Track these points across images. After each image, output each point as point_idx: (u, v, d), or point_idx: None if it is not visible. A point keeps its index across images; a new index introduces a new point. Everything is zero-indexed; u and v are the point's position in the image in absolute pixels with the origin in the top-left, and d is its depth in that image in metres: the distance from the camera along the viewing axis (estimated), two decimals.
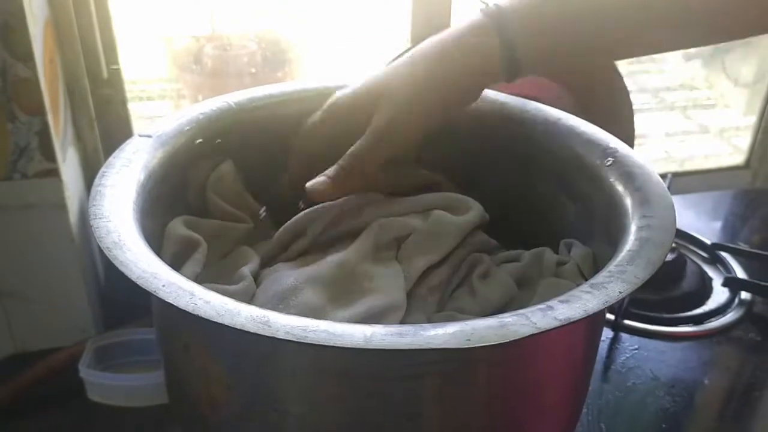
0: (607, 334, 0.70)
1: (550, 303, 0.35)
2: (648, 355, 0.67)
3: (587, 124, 0.53)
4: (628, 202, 0.45)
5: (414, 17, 0.84)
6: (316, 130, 0.52)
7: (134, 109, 0.81)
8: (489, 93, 0.58)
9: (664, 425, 0.60)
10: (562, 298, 0.36)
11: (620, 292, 0.36)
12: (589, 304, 0.35)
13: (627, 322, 0.71)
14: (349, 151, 0.49)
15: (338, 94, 0.51)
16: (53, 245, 0.66)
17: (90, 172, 0.76)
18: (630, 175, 0.47)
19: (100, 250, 0.77)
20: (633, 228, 0.42)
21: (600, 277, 0.38)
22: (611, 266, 0.39)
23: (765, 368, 0.68)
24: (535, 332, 0.33)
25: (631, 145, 0.73)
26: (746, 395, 0.65)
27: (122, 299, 0.74)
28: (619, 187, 0.46)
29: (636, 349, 0.68)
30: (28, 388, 0.65)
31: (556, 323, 0.34)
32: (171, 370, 0.46)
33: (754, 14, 0.45)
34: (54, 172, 0.64)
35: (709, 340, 0.70)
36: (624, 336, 0.70)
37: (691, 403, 0.63)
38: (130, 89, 0.80)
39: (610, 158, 0.49)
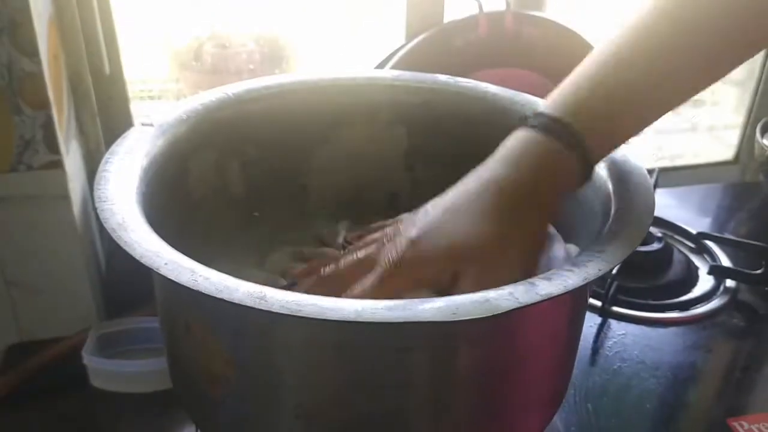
0: (595, 320, 0.72)
1: (532, 280, 0.37)
2: (635, 340, 0.69)
3: None
4: (610, 187, 0.47)
5: (409, 13, 0.85)
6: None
7: (135, 108, 0.83)
8: (479, 85, 0.60)
9: (648, 405, 0.62)
10: (544, 275, 0.38)
11: (599, 270, 0.38)
12: (569, 280, 0.37)
13: (615, 308, 0.73)
14: None
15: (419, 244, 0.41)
16: (57, 236, 0.68)
17: (92, 165, 0.78)
18: (612, 162, 0.49)
19: (102, 241, 0.79)
20: (612, 211, 0.44)
21: (582, 257, 0.40)
22: (593, 247, 0.41)
23: (748, 352, 0.70)
24: (518, 306, 0.35)
25: None
26: (728, 377, 0.67)
27: (124, 289, 0.75)
28: (603, 173, 0.48)
29: (623, 334, 0.70)
30: (33, 376, 0.67)
31: (538, 298, 0.36)
32: (173, 350, 0.48)
33: None
34: (58, 164, 0.65)
35: (694, 325, 0.72)
36: (612, 322, 0.72)
37: (675, 384, 0.65)
38: (131, 89, 0.82)
39: None
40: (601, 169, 0.48)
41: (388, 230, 0.43)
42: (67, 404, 0.66)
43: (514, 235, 0.40)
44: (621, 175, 0.48)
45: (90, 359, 0.66)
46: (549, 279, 0.38)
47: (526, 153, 0.41)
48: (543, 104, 0.42)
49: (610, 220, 0.44)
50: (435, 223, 0.41)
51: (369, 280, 0.41)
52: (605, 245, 0.41)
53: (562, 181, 0.41)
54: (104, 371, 0.67)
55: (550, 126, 0.40)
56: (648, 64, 0.41)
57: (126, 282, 0.75)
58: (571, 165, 0.41)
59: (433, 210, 0.42)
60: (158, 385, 0.66)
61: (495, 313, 0.35)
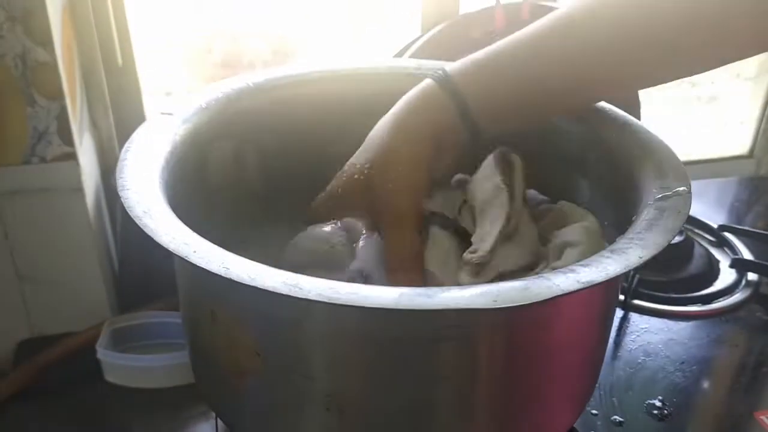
0: (617, 313, 0.71)
1: (572, 267, 0.36)
2: (657, 334, 0.68)
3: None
4: (643, 175, 0.46)
5: (425, 4, 0.85)
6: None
7: (147, 103, 0.82)
8: None
9: (674, 399, 0.61)
10: (583, 262, 0.37)
11: (640, 257, 0.37)
12: (610, 267, 0.36)
13: (636, 302, 0.72)
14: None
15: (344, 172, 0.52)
16: (70, 229, 0.67)
17: (105, 158, 0.77)
18: (644, 147, 0.48)
19: (115, 235, 0.78)
20: (650, 198, 0.43)
21: (620, 244, 0.39)
22: (631, 233, 0.40)
23: None
24: (559, 294, 0.34)
25: None
26: (754, 371, 0.66)
27: (136, 283, 0.75)
28: (634, 160, 0.47)
29: (645, 328, 0.69)
30: (46, 370, 0.66)
31: (579, 285, 0.35)
32: (197, 341, 0.47)
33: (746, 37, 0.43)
34: (72, 156, 0.65)
35: (717, 319, 0.71)
36: (633, 316, 0.71)
37: (701, 378, 0.64)
38: (143, 85, 0.81)
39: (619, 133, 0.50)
40: (631, 154, 0.48)
41: None
42: (81, 399, 0.65)
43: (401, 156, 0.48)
44: (653, 156, 0.47)
45: (104, 353, 0.65)
46: (588, 266, 0.36)
47: (417, 94, 0.49)
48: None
49: (645, 207, 0.42)
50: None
51: None
52: (644, 232, 0.39)
53: (440, 120, 0.48)
54: (118, 366, 0.66)
55: (442, 77, 0.48)
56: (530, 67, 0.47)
57: (139, 276, 0.74)
58: (447, 107, 0.47)
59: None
60: (173, 380, 0.65)
61: (536, 300, 0.34)
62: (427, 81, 0.49)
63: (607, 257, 0.38)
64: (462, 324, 0.38)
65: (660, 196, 0.43)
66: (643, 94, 0.86)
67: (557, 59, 0.46)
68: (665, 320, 0.70)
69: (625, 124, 0.51)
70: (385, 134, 0.49)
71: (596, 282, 0.35)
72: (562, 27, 0.46)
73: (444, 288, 0.35)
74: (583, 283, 0.35)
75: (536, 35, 0.47)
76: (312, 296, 0.33)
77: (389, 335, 0.38)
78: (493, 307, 0.33)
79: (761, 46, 0.44)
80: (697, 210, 0.88)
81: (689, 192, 0.43)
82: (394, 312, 0.34)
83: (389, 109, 0.51)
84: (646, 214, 0.41)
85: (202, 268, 0.35)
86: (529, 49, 0.47)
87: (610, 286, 0.43)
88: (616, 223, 0.47)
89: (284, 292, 0.34)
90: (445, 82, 0.48)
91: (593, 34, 0.45)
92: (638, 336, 0.68)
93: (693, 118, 1.20)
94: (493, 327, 0.38)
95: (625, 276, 0.71)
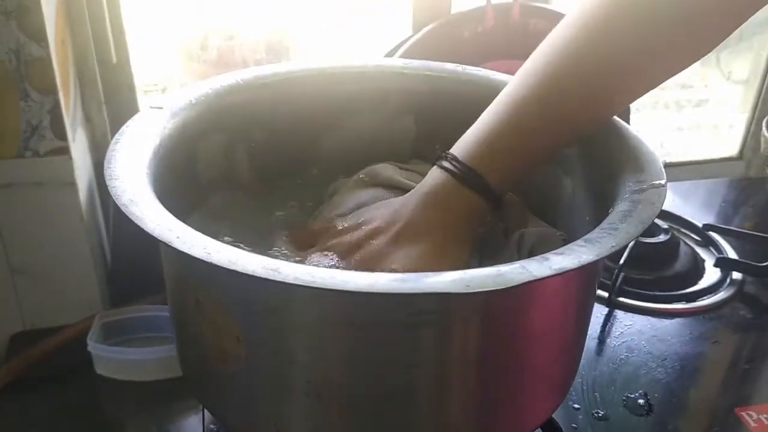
0: (602, 310, 0.72)
1: (545, 255, 0.37)
2: (641, 331, 0.69)
3: None
4: (621, 170, 0.47)
5: (416, 4, 0.86)
6: None
7: (141, 99, 0.83)
8: (487, 74, 0.60)
9: (656, 395, 0.62)
10: (557, 251, 0.38)
11: (613, 246, 0.38)
12: (583, 255, 0.37)
13: (621, 299, 0.73)
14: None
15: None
16: (63, 223, 0.68)
17: (98, 153, 0.78)
18: (623, 145, 0.49)
19: (108, 229, 0.79)
20: (625, 190, 0.44)
21: (594, 234, 0.40)
22: (605, 224, 0.41)
23: (754, 343, 0.70)
24: (532, 279, 0.35)
25: None
26: (736, 368, 0.67)
27: (129, 277, 0.75)
28: (614, 157, 0.48)
29: (630, 325, 0.70)
30: (38, 363, 0.67)
31: (551, 272, 0.36)
32: (182, 329, 0.47)
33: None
34: (65, 151, 0.65)
35: (701, 317, 0.72)
36: (618, 313, 0.72)
37: (683, 374, 0.65)
38: (137, 82, 0.82)
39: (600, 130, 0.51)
40: (611, 150, 0.48)
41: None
42: (72, 392, 0.66)
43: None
44: (630, 151, 0.48)
45: (95, 347, 0.66)
46: (562, 254, 0.37)
47: (441, 195, 0.48)
48: (456, 146, 0.48)
49: (620, 199, 0.43)
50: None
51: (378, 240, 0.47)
52: (618, 223, 0.40)
53: (471, 215, 0.48)
54: (109, 359, 0.67)
55: (459, 171, 0.47)
56: (540, 107, 0.47)
57: (132, 270, 0.75)
58: (477, 202, 0.47)
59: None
60: (163, 373, 0.66)
61: (508, 285, 0.35)
62: (446, 177, 0.47)
63: (581, 246, 0.38)
64: (438, 310, 0.38)
65: (636, 188, 0.44)
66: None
67: (560, 105, 0.47)
68: (649, 317, 0.71)
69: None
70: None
71: (569, 269, 0.36)
72: (548, 68, 0.47)
73: (420, 273, 0.36)
74: (555, 269, 0.36)
75: (529, 89, 0.47)
76: (290, 280, 0.34)
77: (367, 320, 0.38)
78: (466, 291, 0.34)
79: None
80: (685, 211, 0.89)
81: (664, 185, 0.44)
82: (370, 296, 0.35)
83: (377, 107, 0.51)
84: (621, 206, 0.42)
85: (185, 253, 0.36)
86: (533, 115, 0.47)
87: (585, 274, 0.44)
88: (596, 218, 0.48)
89: (263, 276, 0.34)
90: (468, 177, 0.47)
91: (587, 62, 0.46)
92: (622, 333, 0.69)
93: (683, 120, 1.22)
94: (471, 313, 0.39)
95: (609, 273, 0.73)
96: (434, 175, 0.48)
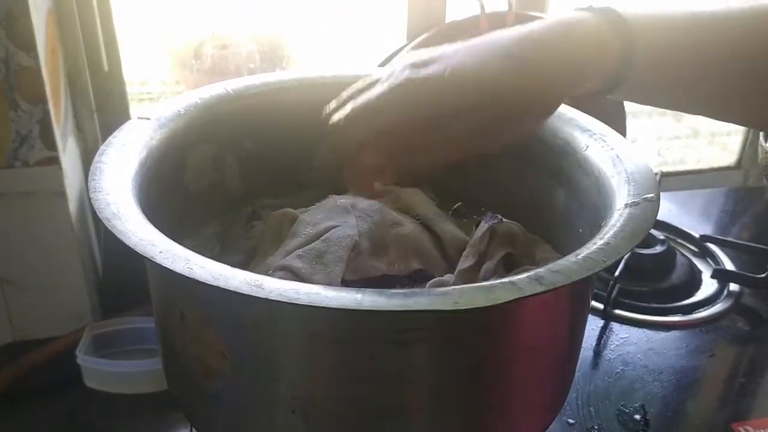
0: (597, 323, 0.71)
1: (537, 271, 0.37)
2: (637, 344, 0.69)
3: (574, 110, 0.54)
4: (614, 182, 0.46)
5: (410, 13, 0.85)
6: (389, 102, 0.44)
7: (134, 109, 0.82)
8: None
9: (652, 409, 0.61)
10: (548, 267, 0.37)
11: (604, 260, 0.37)
12: (574, 271, 0.37)
13: (617, 311, 0.72)
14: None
15: (418, 75, 0.43)
16: (53, 233, 0.67)
17: (89, 163, 0.77)
18: (617, 157, 0.48)
19: (99, 240, 0.78)
20: (618, 205, 0.43)
21: (585, 249, 0.39)
22: (597, 239, 0.40)
23: (752, 356, 0.69)
24: (521, 296, 0.34)
25: None
26: (733, 381, 0.66)
27: (119, 289, 0.75)
28: (607, 170, 0.48)
29: (626, 337, 0.69)
30: (27, 375, 0.66)
31: (541, 288, 0.35)
32: (168, 343, 0.47)
33: None
34: (54, 161, 0.65)
35: (698, 329, 0.71)
36: (614, 325, 0.71)
37: (679, 388, 0.64)
38: (130, 91, 0.81)
39: (594, 142, 0.50)
40: (604, 162, 0.48)
41: None
42: (61, 404, 0.65)
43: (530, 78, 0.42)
44: (623, 164, 0.47)
45: (84, 359, 0.65)
46: (552, 270, 0.37)
47: (568, 21, 0.42)
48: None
49: (614, 213, 0.43)
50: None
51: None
52: (610, 237, 0.40)
53: (600, 47, 0.41)
54: (98, 371, 0.66)
55: (602, 9, 0.41)
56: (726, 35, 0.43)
57: (122, 282, 0.74)
58: (605, 47, 0.41)
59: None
60: (152, 386, 0.65)
61: (497, 302, 0.34)
62: (585, 14, 0.42)
63: (573, 262, 0.38)
64: (425, 326, 0.38)
65: (629, 202, 0.43)
66: (632, 106, 0.86)
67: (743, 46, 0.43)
68: (645, 330, 0.70)
69: (596, 134, 0.51)
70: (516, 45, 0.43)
71: (559, 285, 0.36)
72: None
73: (408, 291, 0.35)
74: (545, 285, 0.35)
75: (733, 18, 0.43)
76: (273, 296, 0.34)
77: (353, 336, 0.38)
78: (454, 308, 0.34)
79: None
80: (682, 221, 0.88)
81: (657, 199, 0.43)
82: (355, 313, 0.34)
83: None
84: (613, 220, 0.42)
85: (167, 269, 0.35)
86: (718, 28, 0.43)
87: (577, 289, 0.43)
88: (589, 230, 0.47)
89: (246, 292, 0.34)
90: (616, 19, 0.41)
91: None
92: (618, 345, 0.68)
93: (681, 128, 1.21)
94: (458, 328, 0.38)
95: (604, 285, 0.72)
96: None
